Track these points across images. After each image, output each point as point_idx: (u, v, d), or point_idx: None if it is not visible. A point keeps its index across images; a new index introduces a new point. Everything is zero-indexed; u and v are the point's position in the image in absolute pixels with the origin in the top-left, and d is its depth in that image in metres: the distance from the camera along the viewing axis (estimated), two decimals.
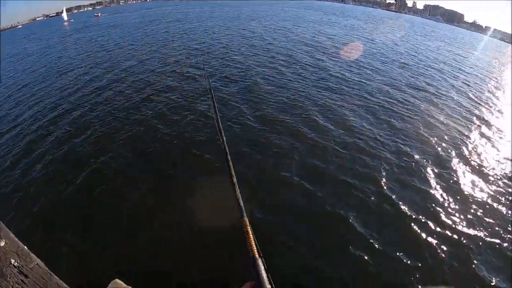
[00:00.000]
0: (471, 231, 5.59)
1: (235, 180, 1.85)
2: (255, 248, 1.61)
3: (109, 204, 5.87)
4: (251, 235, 1.56)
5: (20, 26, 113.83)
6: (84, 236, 5.16)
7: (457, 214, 5.98)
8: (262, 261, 1.70)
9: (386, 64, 17.56)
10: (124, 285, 2.08)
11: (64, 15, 70.84)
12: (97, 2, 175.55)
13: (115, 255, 4.78)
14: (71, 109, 10.67)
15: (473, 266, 4.87)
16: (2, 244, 1.42)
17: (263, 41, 21.40)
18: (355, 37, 26.51)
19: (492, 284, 4.59)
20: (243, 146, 7.57)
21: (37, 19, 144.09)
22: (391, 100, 11.56)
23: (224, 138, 2.08)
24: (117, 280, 2.13)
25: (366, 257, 4.81)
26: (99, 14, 76.00)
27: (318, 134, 8.39)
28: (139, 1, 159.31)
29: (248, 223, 1.57)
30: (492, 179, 7.35)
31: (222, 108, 9.61)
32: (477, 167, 7.82)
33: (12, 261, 1.34)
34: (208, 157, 7.03)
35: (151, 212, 5.60)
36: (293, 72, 13.97)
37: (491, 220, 5.94)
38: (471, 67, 22.10)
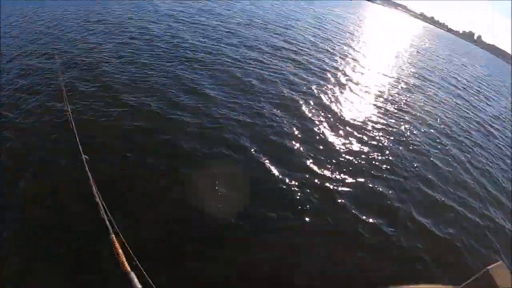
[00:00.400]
0: None
1: (97, 200, 1.69)
2: (125, 263, 1.52)
3: None
4: (120, 251, 1.47)
5: None
6: None
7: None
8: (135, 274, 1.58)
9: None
10: None
11: None
12: None
13: None
14: None
15: None
16: None
17: None
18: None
19: None
20: None
21: None
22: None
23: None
24: None
25: None
26: None
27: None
28: None
29: (115, 240, 1.46)
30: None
31: None
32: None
33: None
34: None
35: None
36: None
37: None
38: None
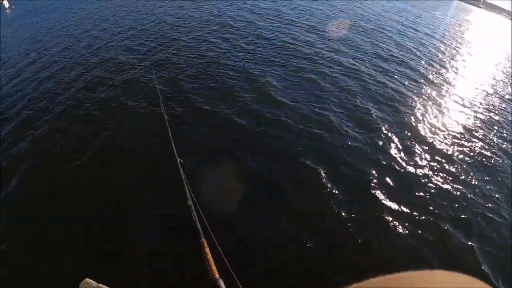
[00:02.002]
0: None
1: (190, 202, 1.65)
2: (215, 269, 1.47)
3: None
4: (209, 257, 1.44)
5: None
6: None
7: None
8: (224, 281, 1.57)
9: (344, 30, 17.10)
10: (95, 283, 2.02)
11: (5, 3, 65.17)
12: None
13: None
14: None
15: None
16: None
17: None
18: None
19: None
20: None
21: None
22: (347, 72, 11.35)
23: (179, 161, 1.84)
24: (87, 279, 2.08)
25: None
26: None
27: None
28: None
29: (206, 245, 1.43)
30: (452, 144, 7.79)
31: None
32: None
33: None
34: None
35: None
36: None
37: None
38: (443, 32, 22.45)
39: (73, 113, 8.31)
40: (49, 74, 11.57)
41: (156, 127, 7.10)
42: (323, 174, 5.83)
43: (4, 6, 66.76)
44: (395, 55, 13.74)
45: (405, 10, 30.16)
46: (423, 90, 10.54)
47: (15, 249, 4.59)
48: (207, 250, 1.43)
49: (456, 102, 10.18)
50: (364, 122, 7.88)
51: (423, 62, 13.58)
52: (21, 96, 10.13)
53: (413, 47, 15.78)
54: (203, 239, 1.47)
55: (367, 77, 10.52)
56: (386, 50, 14.18)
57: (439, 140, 7.66)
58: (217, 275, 1.27)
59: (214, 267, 1.34)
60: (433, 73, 12.44)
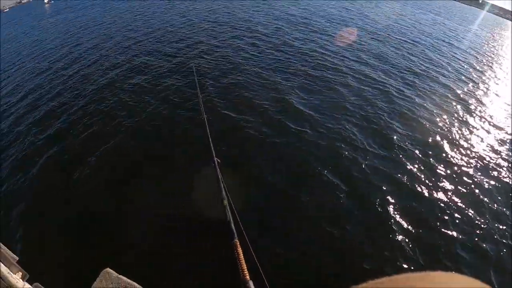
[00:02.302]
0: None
1: (226, 202, 1.73)
2: (246, 270, 1.51)
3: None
4: (242, 257, 1.46)
5: (7, 9, 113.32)
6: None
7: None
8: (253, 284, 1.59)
9: (376, 39, 16.91)
10: (116, 274, 2.03)
11: None
12: None
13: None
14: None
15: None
16: None
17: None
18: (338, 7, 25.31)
19: None
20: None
21: (23, 1, 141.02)
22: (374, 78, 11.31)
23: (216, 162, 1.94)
24: (108, 269, 2.08)
25: None
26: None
27: None
28: None
29: (239, 245, 1.46)
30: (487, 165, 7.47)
31: None
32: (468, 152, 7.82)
33: None
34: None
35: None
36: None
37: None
38: (469, 44, 21.64)
39: (98, 109, 8.75)
40: (79, 69, 12.21)
41: (187, 126, 7.56)
42: (342, 188, 5.86)
43: (43, 0, 71.15)
44: (426, 69, 13.33)
45: (440, 23, 29.32)
46: (452, 109, 10.05)
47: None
48: (240, 250, 1.45)
49: (485, 123, 9.55)
50: (388, 139, 7.66)
51: (454, 79, 12.99)
52: (51, 87, 10.80)
53: (446, 62, 15.20)
54: (236, 240, 1.51)
55: (395, 91, 10.27)
56: (418, 64, 13.78)
57: (464, 163, 7.29)
58: (247, 277, 1.32)
59: (245, 268, 1.37)
60: (464, 91, 11.82)
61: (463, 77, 13.42)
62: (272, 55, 12.09)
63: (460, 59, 16.52)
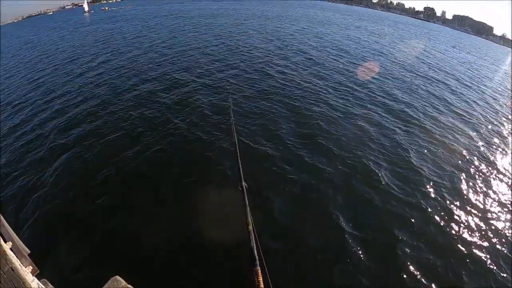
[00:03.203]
0: None
1: (251, 227, 1.66)
2: None
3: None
4: (262, 286, 1.41)
5: (51, 13, 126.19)
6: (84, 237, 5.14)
7: None
8: None
9: (409, 76, 16.56)
10: (124, 282, 1.99)
11: (85, 6, 75.55)
12: None
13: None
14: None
15: None
16: None
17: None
18: (382, 45, 25.50)
19: None
20: None
21: (66, 7, 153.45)
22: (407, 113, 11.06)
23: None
24: (117, 277, 2.05)
25: None
26: (107, 8, 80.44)
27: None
28: None
29: (260, 273, 1.40)
30: None
31: None
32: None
33: None
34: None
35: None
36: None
37: None
38: (499, 82, 21.22)
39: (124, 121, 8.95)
40: (109, 79, 12.73)
41: (214, 147, 7.65)
42: (355, 234, 5.52)
43: (83, 8, 76.85)
44: (454, 109, 12.66)
45: (471, 62, 28.56)
46: (482, 154, 9.33)
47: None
48: (260, 279, 1.40)
49: None
50: (409, 181, 7.20)
51: (484, 121, 12.31)
52: (79, 93, 11.33)
53: (473, 101, 14.44)
54: (258, 268, 1.44)
55: (419, 129, 9.87)
56: (445, 104, 13.06)
57: (490, 216, 6.63)
58: None
59: None
60: (495, 135, 11.09)
61: (493, 121, 12.63)
62: (299, 84, 12.24)
63: (488, 101, 15.70)
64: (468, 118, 12.09)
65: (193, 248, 4.87)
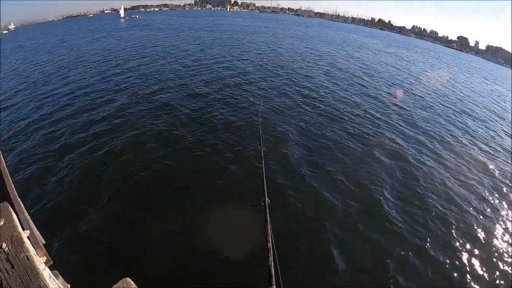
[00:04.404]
0: None
1: (270, 244, 1.62)
2: None
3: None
4: None
5: (91, 15, 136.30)
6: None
7: None
8: None
9: (435, 106, 15.70)
10: (134, 285, 1.97)
11: (121, 12, 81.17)
12: (163, 4, 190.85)
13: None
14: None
15: None
16: (1, 223, 1.25)
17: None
18: (410, 73, 24.84)
19: None
20: None
21: (106, 11, 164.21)
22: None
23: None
24: (128, 278, 2.03)
25: None
26: (137, 16, 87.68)
27: None
28: (202, 8, 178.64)
29: None
30: None
31: None
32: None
33: (4, 245, 1.17)
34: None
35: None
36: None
37: None
38: None
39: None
40: (134, 84, 13.10)
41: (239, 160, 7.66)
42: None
43: (120, 14, 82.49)
44: (478, 143, 11.52)
45: (502, 95, 26.73)
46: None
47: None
48: None
49: None
50: (421, 223, 6.51)
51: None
52: (103, 94, 11.71)
53: (501, 137, 13.15)
54: (274, 286, 1.40)
55: (438, 163, 9.03)
56: (470, 137, 11.96)
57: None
58: None
59: None
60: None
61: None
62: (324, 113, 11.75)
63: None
64: (492, 155, 10.98)
65: (209, 260, 4.79)
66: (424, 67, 30.91)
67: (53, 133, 8.79)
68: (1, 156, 3.24)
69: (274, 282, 1.39)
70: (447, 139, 11.24)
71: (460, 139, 11.65)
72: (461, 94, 20.73)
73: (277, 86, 14.31)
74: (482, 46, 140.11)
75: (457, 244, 6.19)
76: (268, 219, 1.82)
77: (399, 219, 6.50)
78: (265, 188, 2.25)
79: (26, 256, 1.15)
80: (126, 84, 13.21)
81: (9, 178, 2.73)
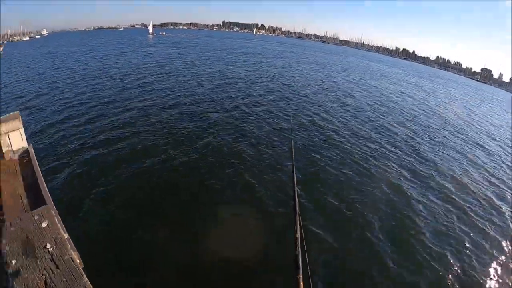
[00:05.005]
0: None
1: (298, 234, 1.67)
2: None
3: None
4: None
5: (122, 29, 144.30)
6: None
7: None
8: None
9: (459, 143, 14.88)
10: None
11: (150, 28, 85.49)
12: (192, 23, 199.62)
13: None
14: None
15: None
16: (44, 225, 1.37)
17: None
18: (435, 106, 24.23)
19: None
20: None
21: (136, 26, 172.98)
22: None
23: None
24: None
25: None
26: (164, 33, 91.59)
27: None
28: (230, 30, 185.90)
29: (301, 282, 1.38)
30: None
31: None
32: None
33: (48, 245, 1.28)
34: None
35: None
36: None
37: None
38: None
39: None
40: (155, 99, 13.44)
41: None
42: None
43: (148, 30, 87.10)
44: (492, 179, 10.73)
45: None
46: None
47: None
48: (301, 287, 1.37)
49: None
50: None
51: None
52: (125, 104, 11.87)
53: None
54: (301, 276, 1.41)
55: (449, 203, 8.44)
56: (485, 178, 10.83)
57: None
58: None
59: None
60: None
61: None
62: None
63: None
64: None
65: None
66: (444, 98, 30.36)
67: (70, 137, 9.28)
68: (36, 162, 3.49)
69: (301, 272, 1.41)
70: (463, 179, 10.41)
71: (476, 177, 10.90)
72: (479, 127, 20.09)
73: (291, 110, 14.50)
74: (506, 78, 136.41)
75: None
76: (297, 208, 1.83)
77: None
78: (295, 175, 2.29)
79: (71, 257, 1.28)
80: (148, 97, 13.80)
81: (44, 183, 2.94)
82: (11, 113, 3.34)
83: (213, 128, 10.62)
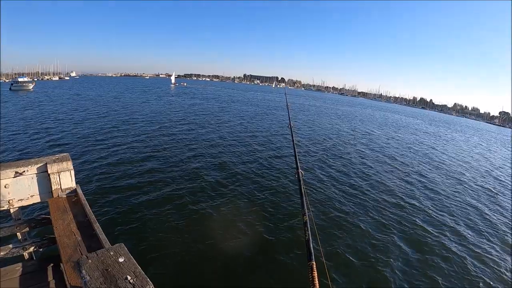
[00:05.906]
0: None
1: (307, 217, 1.67)
2: None
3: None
4: (316, 281, 1.39)
5: (147, 77, 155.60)
6: None
7: None
8: None
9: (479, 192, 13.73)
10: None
11: (172, 79, 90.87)
12: (214, 75, 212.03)
13: None
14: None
15: None
16: (121, 260, 1.44)
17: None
18: (454, 154, 23.85)
19: None
20: None
21: (160, 75, 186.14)
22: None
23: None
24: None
25: None
26: (185, 83, 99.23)
27: None
28: (251, 82, 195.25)
29: (315, 268, 1.38)
30: None
31: None
32: None
33: (129, 277, 1.32)
34: None
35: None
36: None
37: None
38: None
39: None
40: (174, 148, 13.50)
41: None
42: None
43: (171, 80, 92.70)
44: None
45: None
46: None
47: None
48: (315, 274, 1.30)
49: None
50: None
51: None
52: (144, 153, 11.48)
53: None
54: (313, 262, 1.35)
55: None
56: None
57: None
58: None
59: None
60: None
61: None
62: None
63: None
64: None
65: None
66: (462, 145, 29.92)
67: (89, 178, 9.24)
68: (86, 201, 3.57)
69: (313, 258, 1.35)
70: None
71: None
72: (500, 173, 19.24)
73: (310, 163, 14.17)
74: None
75: None
76: (303, 191, 1.75)
77: None
78: (297, 159, 2.27)
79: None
80: (167, 145, 14.13)
81: (96, 221, 3.00)
82: (62, 154, 3.32)
83: (234, 177, 10.53)
